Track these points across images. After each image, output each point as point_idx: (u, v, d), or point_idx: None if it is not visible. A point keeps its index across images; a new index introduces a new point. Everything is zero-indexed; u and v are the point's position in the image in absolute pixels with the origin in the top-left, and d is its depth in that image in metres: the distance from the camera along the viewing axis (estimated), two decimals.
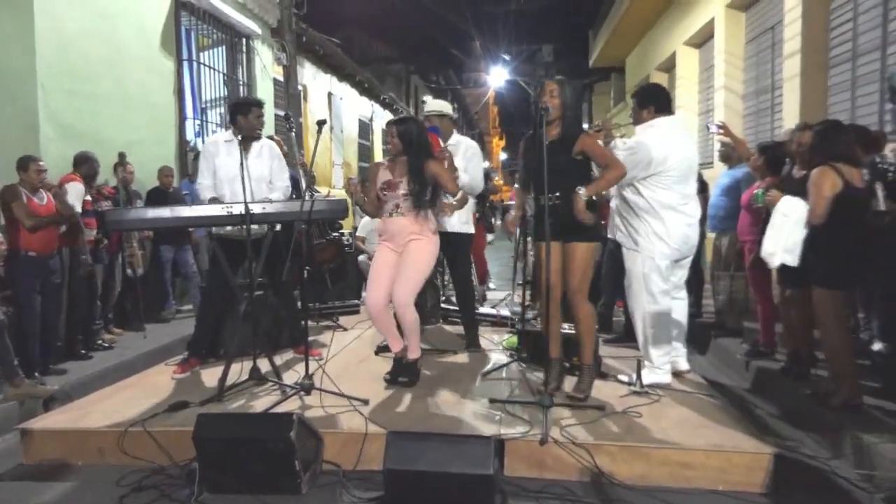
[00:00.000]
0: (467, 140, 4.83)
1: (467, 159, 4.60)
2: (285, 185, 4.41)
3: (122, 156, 5.85)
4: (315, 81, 12.38)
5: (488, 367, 4.26)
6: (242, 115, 4.20)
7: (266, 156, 4.34)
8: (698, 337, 5.50)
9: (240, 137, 4.03)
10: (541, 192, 3.34)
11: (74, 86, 5.76)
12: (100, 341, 5.34)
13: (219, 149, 4.23)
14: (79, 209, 4.97)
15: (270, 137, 6.54)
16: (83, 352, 5.04)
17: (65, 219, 4.73)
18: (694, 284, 6.06)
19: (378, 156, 16.00)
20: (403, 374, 3.88)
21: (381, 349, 4.62)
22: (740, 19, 8.58)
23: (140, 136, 6.67)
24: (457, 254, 4.71)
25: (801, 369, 4.11)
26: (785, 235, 3.65)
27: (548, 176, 3.23)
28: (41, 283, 4.53)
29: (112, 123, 6.26)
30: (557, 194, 3.37)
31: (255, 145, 4.29)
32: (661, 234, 3.70)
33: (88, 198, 5.18)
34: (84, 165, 5.27)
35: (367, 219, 6.69)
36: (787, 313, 4.22)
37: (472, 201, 4.77)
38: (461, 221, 4.60)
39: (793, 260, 3.64)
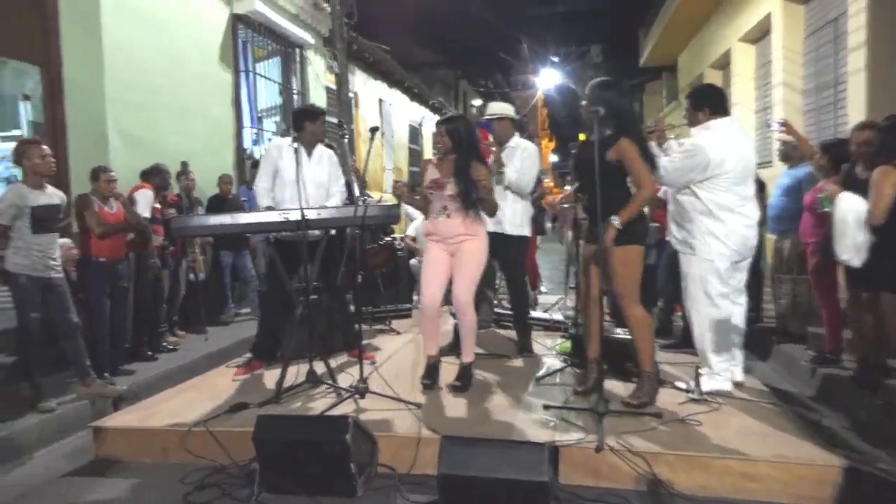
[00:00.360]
0: (525, 142, 4.83)
1: (522, 160, 4.61)
2: (341, 191, 4.54)
3: (184, 165, 6.08)
4: (366, 88, 12.56)
5: (542, 372, 4.23)
6: (311, 122, 4.37)
7: (326, 162, 4.47)
8: (759, 343, 5.32)
9: (296, 145, 4.13)
10: (584, 192, 3.39)
11: (139, 99, 6.01)
12: (164, 343, 5.54)
13: (282, 152, 4.36)
14: (148, 216, 5.20)
15: (329, 146, 6.68)
16: (149, 353, 5.24)
17: (132, 227, 4.93)
18: (753, 288, 5.88)
19: None
20: (458, 378, 3.89)
21: None
22: (799, 12, 8.29)
23: (200, 145, 6.90)
24: (509, 256, 4.68)
25: (872, 377, 3.94)
26: (850, 238, 3.53)
27: (584, 178, 3.34)
28: (110, 287, 4.73)
29: (174, 134, 6.49)
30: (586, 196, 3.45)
31: (316, 152, 4.42)
32: (719, 236, 3.61)
33: (157, 205, 5.40)
34: (156, 177, 5.51)
35: (417, 221, 6.73)
36: (855, 318, 4.05)
37: (527, 204, 4.75)
38: (514, 224, 4.58)
39: (858, 261, 3.52)
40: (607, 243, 3.32)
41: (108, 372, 4.56)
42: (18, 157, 4.03)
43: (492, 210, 3.85)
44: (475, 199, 3.73)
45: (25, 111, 7.32)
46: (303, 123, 4.36)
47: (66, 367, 4.27)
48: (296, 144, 4.13)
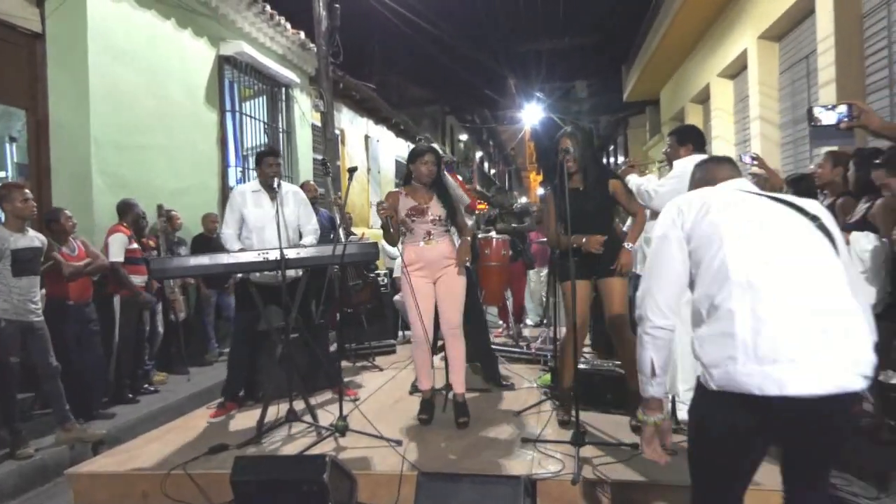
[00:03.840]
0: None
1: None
2: (314, 228, 4.60)
3: (160, 207, 6.09)
4: (352, 125, 12.73)
5: (521, 405, 4.24)
6: (258, 166, 4.43)
7: (292, 202, 4.50)
8: None
9: (272, 184, 4.21)
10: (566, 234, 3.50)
11: (125, 139, 6.07)
12: (146, 385, 5.50)
13: (246, 199, 4.40)
14: (121, 259, 5.15)
15: (306, 182, 6.75)
16: (130, 396, 5.20)
17: (97, 268, 4.87)
18: None
19: None
20: (461, 414, 3.85)
21: (416, 389, 4.65)
22: (773, 50, 8.55)
23: (186, 184, 6.96)
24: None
25: None
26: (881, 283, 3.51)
27: (576, 222, 3.41)
28: (79, 330, 4.68)
29: (160, 173, 6.54)
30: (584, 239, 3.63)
31: (281, 192, 4.38)
32: None
33: (134, 246, 5.37)
34: (128, 215, 5.47)
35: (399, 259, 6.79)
36: None
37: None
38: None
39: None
40: (627, 266, 3.63)
41: (85, 416, 4.51)
42: (0, 200, 4.07)
43: (468, 231, 4.04)
44: (459, 222, 3.91)
45: (11, 153, 7.38)
46: (258, 168, 4.44)
47: (46, 412, 4.25)
48: (260, 189, 4.22)
